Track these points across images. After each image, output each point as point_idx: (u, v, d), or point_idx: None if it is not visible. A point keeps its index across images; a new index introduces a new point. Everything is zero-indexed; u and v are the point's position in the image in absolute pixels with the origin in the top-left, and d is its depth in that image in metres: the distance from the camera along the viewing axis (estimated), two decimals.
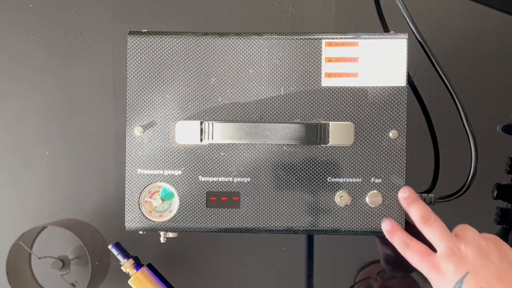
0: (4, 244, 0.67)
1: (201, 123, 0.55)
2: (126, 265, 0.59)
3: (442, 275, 0.48)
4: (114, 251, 0.59)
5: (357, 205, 0.55)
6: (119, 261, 0.59)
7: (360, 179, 0.55)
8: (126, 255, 0.60)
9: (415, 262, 0.50)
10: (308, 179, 0.55)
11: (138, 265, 0.59)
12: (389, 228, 0.53)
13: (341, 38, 0.55)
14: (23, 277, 0.69)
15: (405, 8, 0.59)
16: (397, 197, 0.54)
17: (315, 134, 0.54)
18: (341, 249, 0.66)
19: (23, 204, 0.68)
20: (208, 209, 0.55)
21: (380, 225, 0.54)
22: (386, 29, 0.66)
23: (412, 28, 0.59)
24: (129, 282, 0.59)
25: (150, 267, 0.61)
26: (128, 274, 0.59)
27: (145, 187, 0.56)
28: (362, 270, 0.65)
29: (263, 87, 0.55)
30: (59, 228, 0.68)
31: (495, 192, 0.63)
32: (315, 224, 0.55)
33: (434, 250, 0.50)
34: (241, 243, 0.67)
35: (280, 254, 0.66)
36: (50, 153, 0.68)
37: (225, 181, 0.55)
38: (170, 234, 0.57)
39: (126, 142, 0.56)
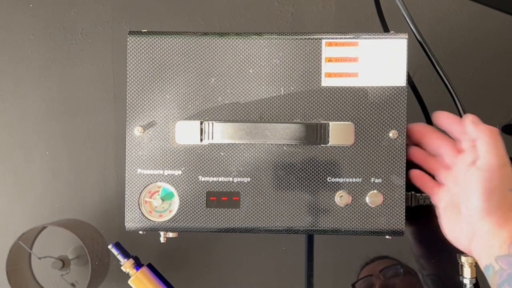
0: (4, 244, 0.67)
1: (201, 123, 0.55)
2: (126, 265, 0.59)
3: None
4: (114, 251, 0.59)
5: (357, 205, 0.55)
6: (119, 261, 0.59)
7: (360, 179, 0.55)
8: (126, 255, 0.60)
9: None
10: (308, 179, 0.55)
11: (138, 265, 0.59)
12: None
13: (341, 38, 0.55)
14: (23, 277, 0.69)
15: (405, 8, 0.59)
16: (397, 197, 0.54)
17: (315, 134, 0.54)
18: (341, 249, 0.66)
19: (23, 204, 0.68)
20: (208, 209, 0.55)
21: (380, 225, 0.54)
22: (386, 29, 0.66)
23: (412, 28, 0.59)
24: (129, 282, 0.59)
25: (150, 267, 0.61)
26: (128, 274, 0.59)
27: (145, 187, 0.56)
28: (366, 266, 0.65)
29: (263, 87, 0.55)
30: (59, 228, 0.68)
31: None
32: (315, 224, 0.55)
33: None
34: (241, 243, 0.67)
35: (280, 254, 0.66)
36: (50, 153, 0.68)
37: (225, 181, 0.55)
38: (170, 234, 0.57)
39: (126, 142, 0.56)
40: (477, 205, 0.49)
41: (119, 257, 0.59)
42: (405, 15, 0.59)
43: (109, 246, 0.59)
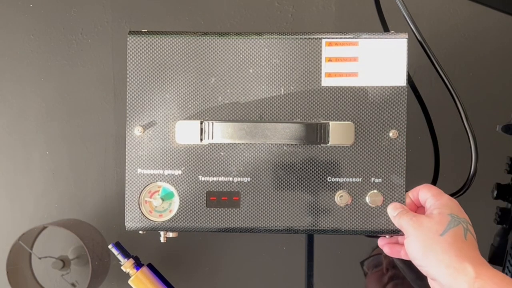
0: (4, 244, 0.67)
1: (201, 123, 0.55)
2: (126, 265, 0.59)
3: None
4: (114, 251, 0.59)
5: (357, 205, 0.55)
6: (119, 261, 0.59)
7: (360, 179, 0.55)
8: (126, 255, 0.60)
9: None
10: (308, 179, 0.55)
11: (138, 265, 0.59)
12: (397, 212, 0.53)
13: (341, 38, 0.55)
14: (23, 277, 0.69)
15: (405, 8, 0.59)
16: (397, 196, 0.54)
17: (315, 134, 0.54)
18: (341, 249, 0.66)
19: (23, 204, 0.68)
20: (208, 209, 0.55)
21: (380, 225, 0.54)
22: (386, 29, 0.66)
23: (412, 28, 0.59)
24: (129, 282, 0.59)
25: (150, 267, 0.61)
26: (128, 274, 0.59)
27: (145, 187, 0.56)
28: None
29: (263, 87, 0.55)
30: (59, 228, 0.68)
31: (495, 192, 0.63)
32: (315, 224, 0.55)
33: None
34: (241, 243, 0.67)
35: (280, 254, 0.66)
36: (50, 153, 0.68)
37: (225, 181, 0.55)
38: (170, 234, 0.57)
39: (126, 142, 0.56)
40: (422, 265, 0.49)
41: (119, 257, 0.59)
42: (405, 15, 0.59)
43: (109, 246, 0.59)
